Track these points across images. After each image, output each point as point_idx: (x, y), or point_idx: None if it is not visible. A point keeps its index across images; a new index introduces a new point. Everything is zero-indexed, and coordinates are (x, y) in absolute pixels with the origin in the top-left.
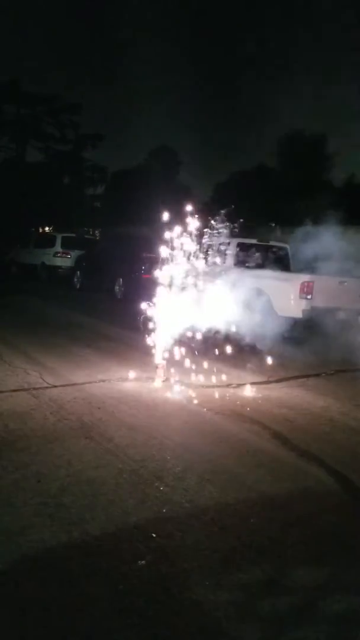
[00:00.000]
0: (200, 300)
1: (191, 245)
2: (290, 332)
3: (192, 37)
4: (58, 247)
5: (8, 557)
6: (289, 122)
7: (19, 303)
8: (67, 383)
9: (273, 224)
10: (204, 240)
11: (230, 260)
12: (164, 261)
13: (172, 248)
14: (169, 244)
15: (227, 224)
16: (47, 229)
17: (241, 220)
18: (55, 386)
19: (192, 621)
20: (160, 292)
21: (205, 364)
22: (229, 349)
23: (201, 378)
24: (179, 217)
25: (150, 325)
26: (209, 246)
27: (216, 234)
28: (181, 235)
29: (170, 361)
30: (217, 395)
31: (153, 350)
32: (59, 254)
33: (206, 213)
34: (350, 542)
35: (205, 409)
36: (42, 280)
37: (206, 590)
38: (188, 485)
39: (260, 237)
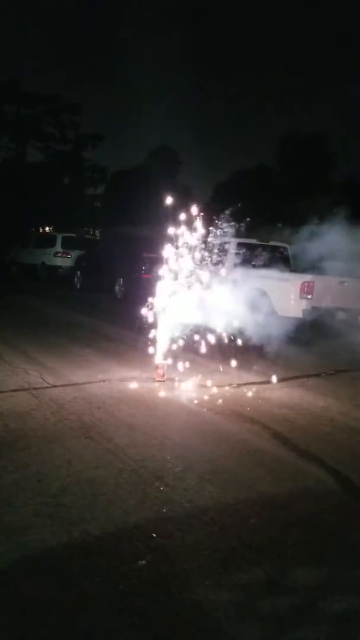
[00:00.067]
0: (200, 300)
1: (192, 245)
2: (290, 332)
3: (192, 37)
4: (58, 247)
5: (8, 557)
6: (289, 122)
7: (19, 303)
8: (68, 383)
9: (280, 224)
10: (204, 240)
11: (230, 260)
12: (165, 261)
13: (173, 248)
14: (170, 243)
15: (233, 223)
16: (47, 229)
17: (248, 219)
18: (55, 386)
19: (192, 621)
20: (160, 292)
21: (206, 364)
22: (229, 349)
23: (201, 378)
24: (180, 217)
25: (150, 325)
26: (210, 246)
27: (220, 234)
28: (182, 235)
29: (171, 361)
30: (217, 395)
31: (153, 350)
32: (59, 254)
33: (208, 213)
34: (350, 542)
35: (205, 409)
36: (42, 280)
37: (206, 590)
38: (188, 485)
39: (260, 237)
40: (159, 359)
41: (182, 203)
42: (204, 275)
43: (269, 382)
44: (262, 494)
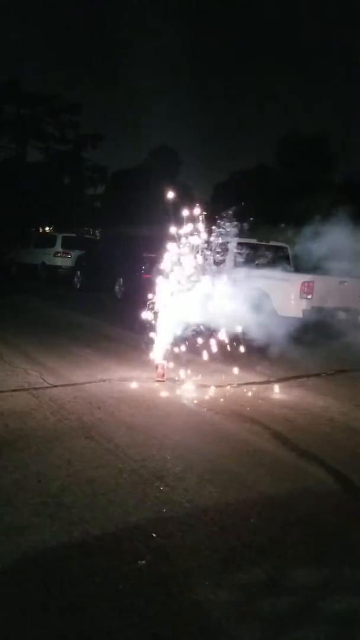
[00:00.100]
0: (200, 300)
1: (193, 245)
2: (290, 332)
3: (192, 37)
4: (58, 247)
5: (8, 557)
6: (289, 122)
7: (19, 303)
8: (68, 383)
9: (283, 225)
10: (205, 240)
11: (230, 260)
12: (165, 260)
13: (174, 247)
14: (171, 242)
15: (236, 223)
16: (47, 229)
17: (251, 218)
18: (55, 386)
19: (192, 621)
20: (161, 292)
21: (206, 364)
22: (229, 349)
23: (201, 378)
24: (181, 215)
25: (150, 325)
26: (211, 246)
27: (222, 233)
28: (184, 234)
29: (171, 361)
30: (217, 395)
31: (153, 350)
32: (59, 254)
33: (209, 212)
34: (350, 542)
35: (205, 409)
36: (42, 280)
37: (206, 590)
38: (188, 485)
39: (260, 237)
40: (159, 359)
41: (183, 202)
42: (204, 275)
43: (269, 382)
44: (262, 494)
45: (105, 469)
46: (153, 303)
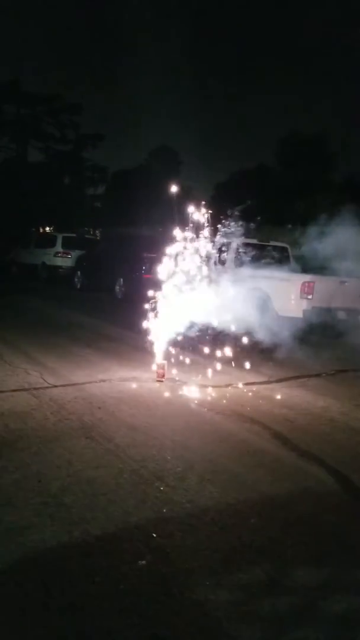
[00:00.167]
0: (201, 300)
1: (193, 245)
2: (291, 332)
3: (192, 37)
4: (58, 247)
5: (8, 557)
6: (289, 122)
7: (19, 303)
8: (68, 383)
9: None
10: (207, 240)
11: (231, 260)
12: (166, 260)
13: (174, 247)
14: (172, 242)
15: (241, 222)
16: (47, 229)
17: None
18: (55, 386)
19: (192, 621)
20: (161, 292)
21: (206, 364)
22: (229, 349)
23: (201, 378)
24: (183, 215)
25: (151, 325)
26: (211, 246)
27: (226, 233)
28: (184, 233)
29: (171, 361)
30: (217, 395)
31: (154, 350)
32: (59, 254)
33: (213, 212)
34: (350, 542)
35: (205, 409)
36: (42, 280)
37: (207, 590)
38: (188, 485)
39: (260, 237)
40: (159, 359)
41: (186, 201)
42: (205, 275)
43: (269, 382)
44: (262, 494)
45: (106, 469)
46: (154, 303)
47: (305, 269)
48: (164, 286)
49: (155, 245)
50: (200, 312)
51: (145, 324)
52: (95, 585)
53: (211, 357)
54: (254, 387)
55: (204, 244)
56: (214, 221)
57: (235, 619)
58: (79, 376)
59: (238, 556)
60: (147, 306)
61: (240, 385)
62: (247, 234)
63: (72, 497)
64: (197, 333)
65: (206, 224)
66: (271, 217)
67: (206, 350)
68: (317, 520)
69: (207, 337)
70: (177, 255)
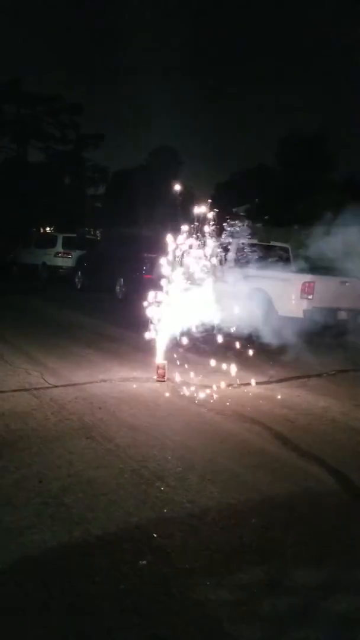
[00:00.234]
0: (202, 300)
1: (194, 245)
2: (291, 332)
3: (193, 37)
4: (59, 247)
5: (8, 557)
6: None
7: (20, 303)
8: (68, 383)
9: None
10: (210, 240)
11: (231, 260)
12: (166, 260)
13: (175, 247)
14: (173, 243)
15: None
16: (48, 229)
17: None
18: (56, 386)
19: (192, 621)
20: (162, 292)
21: (206, 364)
22: (230, 349)
23: (202, 378)
24: (186, 215)
25: (152, 325)
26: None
27: (229, 233)
28: (186, 233)
29: (172, 361)
30: (218, 395)
31: (154, 351)
32: (60, 254)
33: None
34: (350, 542)
35: (206, 409)
36: (43, 280)
37: (207, 590)
38: (189, 485)
39: (260, 237)
40: (159, 359)
41: (188, 201)
42: (206, 275)
43: (270, 382)
44: (263, 494)
45: (106, 469)
46: (155, 302)
47: (311, 269)
48: (164, 286)
49: (155, 246)
50: (200, 312)
51: (145, 324)
52: (96, 585)
53: (212, 357)
54: (255, 387)
55: (207, 244)
56: (218, 220)
57: (236, 619)
58: (79, 376)
59: (238, 556)
60: (147, 306)
61: (240, 385)
62: (252, 234)
63: (73, 497)
64: (198, 333)
65: (211, 223)
66: (272, 218)
67: (207, 350)
68: (317, 520)
69: (207, 337)
70: (178, 254)
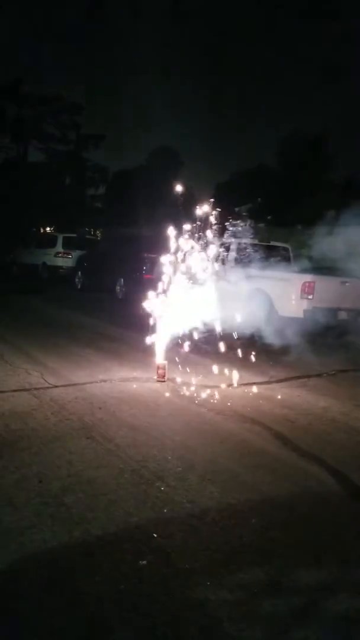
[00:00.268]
0: (202, 300)
1: (195, 245)
2: (291, 332)
3: (193, 37)
4: (59, 248)
5: (8, 557)
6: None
7: (20, 303)
8: (68, 383)
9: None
10: (210, 240)
11: (231, 260)
12: (168, 259)
13: (176, 247)
14: (174, 243)
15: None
16: (48, 229)
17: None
18: (56, 386)
19: (192, 621)
20: (162, 292)
21: (207, 364)
22: (230, 350)
23: (202, 378)
24: (189, 214)
25: (151, 325)
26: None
27: (230, 233)
28: (186, 234)
29: (172, 361)
30: (218, 395)
31: (154, 351)
32: (60, 254)
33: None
34: (350, 542)
35: (206, 409)
36: (43, 280)
37: (207, 591)
38: (189, 485)
39: (260, 237)
40: (159, 359)
41: (189, 201)
42: (206, 275)
43: (270, 382)
44: (263, 494)
45: (106, 469)
46: (155, 302)
47: (311, 269)
48: (164, 285)
49: (155, 246)
50: (200, 312)
51: (145, 324)
52: (96, 585)
53: (212, 357)
54: (255, 388)
55: (208, 244)
56: (221, 220)
57: (236, 619)
58: (79, 376)
59: (238, 556)
60: (147, 306)
61: (241, 385)
62: (254, 234)
63: (73, 497)
64: (198, 333)
65: (214, 223)
66: (274, 218)
67: (207, 350)
68: (317, 520)
69: (207, 337)
70: (178, 254)
